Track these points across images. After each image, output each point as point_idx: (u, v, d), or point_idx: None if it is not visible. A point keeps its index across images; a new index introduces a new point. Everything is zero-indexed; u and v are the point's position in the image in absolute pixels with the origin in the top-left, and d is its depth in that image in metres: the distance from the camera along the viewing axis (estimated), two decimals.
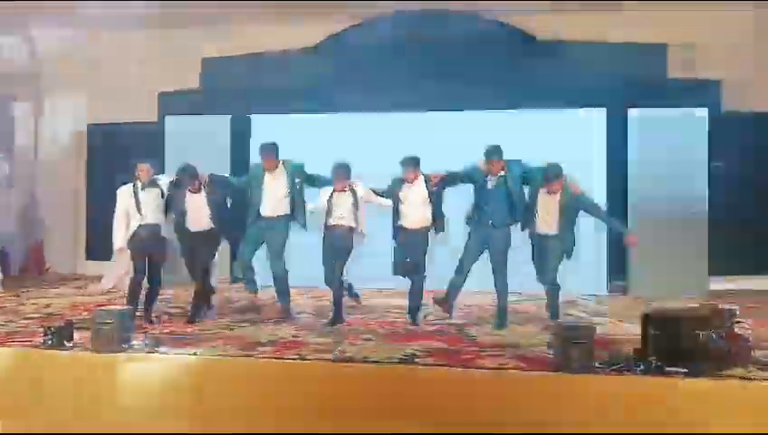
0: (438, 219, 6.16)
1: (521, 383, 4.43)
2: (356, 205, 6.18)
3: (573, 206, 5.94)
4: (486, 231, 6.01)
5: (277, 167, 6.26)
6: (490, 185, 5.99)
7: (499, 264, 6.03)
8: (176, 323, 6.23)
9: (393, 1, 8.79)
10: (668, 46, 8.77)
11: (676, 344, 4.42)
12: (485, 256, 6.09)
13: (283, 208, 6.27)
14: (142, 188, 6.29)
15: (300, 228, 6.36)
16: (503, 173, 5.96)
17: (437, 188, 6.13)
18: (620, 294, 8.44)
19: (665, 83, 8.62)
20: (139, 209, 6.24)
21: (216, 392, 4.63)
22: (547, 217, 5.98)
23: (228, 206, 6.48)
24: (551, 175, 5.84)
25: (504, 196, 5.96)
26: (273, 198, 6.25)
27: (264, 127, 8.72)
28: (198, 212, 6.27)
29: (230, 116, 9.31)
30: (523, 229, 6.15)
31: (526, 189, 6.07)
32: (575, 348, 4.36)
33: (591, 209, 6.06)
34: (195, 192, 6.25)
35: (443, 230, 6.22)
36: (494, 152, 5.91)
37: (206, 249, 6.36)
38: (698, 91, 8.40)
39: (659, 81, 8.63)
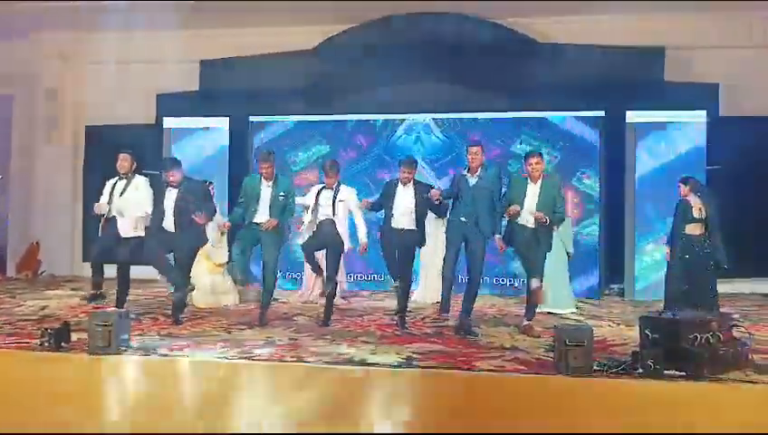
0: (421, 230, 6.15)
1: (519, 386, 4.42)
2: (333, 205, 6.16)
3: (552, 195, 5.77)
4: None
5: (273, 175, 6.25)
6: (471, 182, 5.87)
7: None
8: (172, 326, 6.19)
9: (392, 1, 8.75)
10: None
11: (675, 347, 4.42)
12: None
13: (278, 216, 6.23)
14: (119, 179, 6.28)
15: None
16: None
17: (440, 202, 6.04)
18: (618, 297, 8.46)
19: (663, 87, 8.62)
20: (107, 199, 6.22)
21: (214, 394, 4.60)
22: (530, 207, 5.78)
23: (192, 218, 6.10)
24: (528, 153, 5.92)
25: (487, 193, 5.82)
26: (268, 206, 6.20)
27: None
28: (169, 210, 6.11)
29: (228, 117, 9.30)
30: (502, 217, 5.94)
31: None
32: (573, 351, 4.34)
33: (559, 208, 5.83)
34: (173, 186, 6.13)
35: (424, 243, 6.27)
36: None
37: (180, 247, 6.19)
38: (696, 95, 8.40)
39: (657, 84, 8.63)
